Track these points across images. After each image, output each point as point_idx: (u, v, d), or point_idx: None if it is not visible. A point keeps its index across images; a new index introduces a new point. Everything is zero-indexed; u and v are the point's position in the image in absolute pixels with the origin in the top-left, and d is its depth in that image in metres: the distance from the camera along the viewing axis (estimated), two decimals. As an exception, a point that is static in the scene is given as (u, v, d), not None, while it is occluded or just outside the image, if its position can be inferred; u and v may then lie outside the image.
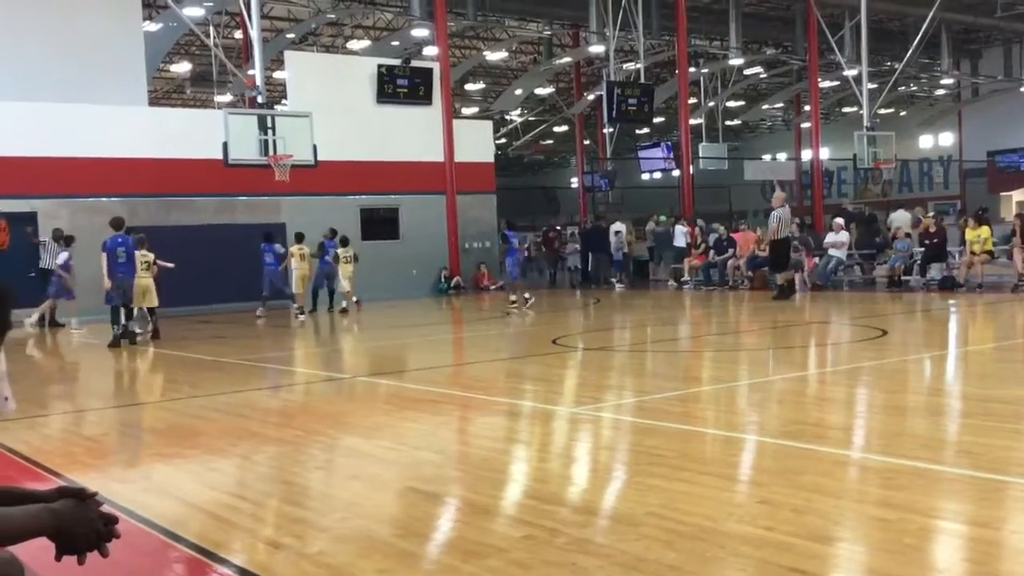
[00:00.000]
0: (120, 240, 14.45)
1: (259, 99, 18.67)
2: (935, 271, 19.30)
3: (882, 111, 33.97)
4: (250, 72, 21.31)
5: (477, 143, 26.19)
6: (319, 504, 5.08)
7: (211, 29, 26.64)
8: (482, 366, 11.36)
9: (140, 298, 14.93)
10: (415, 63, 25.15)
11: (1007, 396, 7.37)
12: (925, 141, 43.52)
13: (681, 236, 24.42)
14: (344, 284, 19.40)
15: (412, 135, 24.34)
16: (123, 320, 14.62)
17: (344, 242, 19.68)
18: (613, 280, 25.33)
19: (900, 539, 3.92)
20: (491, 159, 27.15)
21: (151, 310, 15.18)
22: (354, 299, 19.59)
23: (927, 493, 4.69)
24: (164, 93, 38.73)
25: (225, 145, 17.10)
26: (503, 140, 43.73)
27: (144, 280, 14.87)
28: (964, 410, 7.18)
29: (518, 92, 37.88)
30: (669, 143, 38.89)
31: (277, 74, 28.28)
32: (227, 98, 33.69)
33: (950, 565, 3.77)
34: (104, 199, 20.58)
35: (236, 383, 10.10)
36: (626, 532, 4.16)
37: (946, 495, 4.72)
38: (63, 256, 17.46)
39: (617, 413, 7.42)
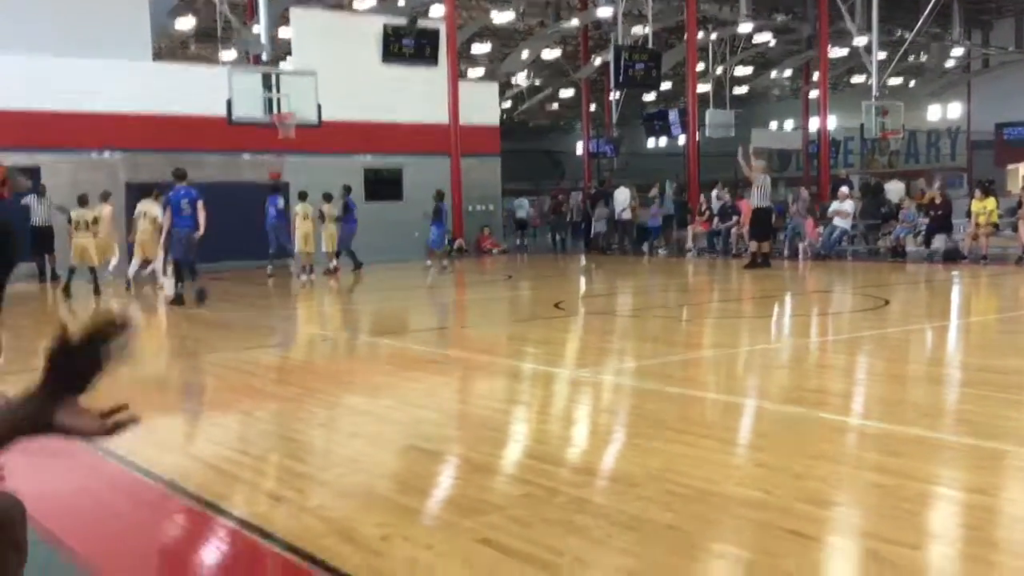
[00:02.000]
0: (183, 192, 13.67)
1: (263, 56, 18.54)
2: (939, 242, 19.24)
3: (891, 81, 33.71)
4: (255, 29, 21.16)
5: (482, 106, 26.04)
6: (320, 460, 5.11)
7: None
8: (484, 328, 11.37)
9: (80, 257, 15.14)
10: (421, 23, 24.94)
11: (1007, 366, 7.38)
12: (933, 112, 43.22)
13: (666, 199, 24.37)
14: (326, 243, 19.07)
15: (417, 96, 24.20)
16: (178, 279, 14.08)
17: (328, 198, 19.27)
18: (646, 247, 24.82)
19: (898, 504, 3.94)
20: (496, 122, 27.00)
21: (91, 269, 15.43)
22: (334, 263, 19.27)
23: (925, 460, 4.71)
24: (168, 49, 38.45)
25: (229, 102, 17.01)
26: (509, 103, 43.46)
27: (83, 240, 15.13)
28: (964, 379, 7.19)
29: (525, 55, 37.57)
30: (677, 110, 38.66)
31: (282, 32, 28.05)
32: (232, 55, 33.46)
33: (946, 530, 3.79)
34: (107, 154, 20.53)
35: (239, 340, 10.13)
36: (625, 493, 4.19)
37: (944, 462, 4.74)
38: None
39: (618, 376, 7.44)
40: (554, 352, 9.04)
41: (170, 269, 14.96)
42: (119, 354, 1.79)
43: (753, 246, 18.59)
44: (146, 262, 16.78)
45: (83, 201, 16.08)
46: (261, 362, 8.72)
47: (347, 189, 19.75)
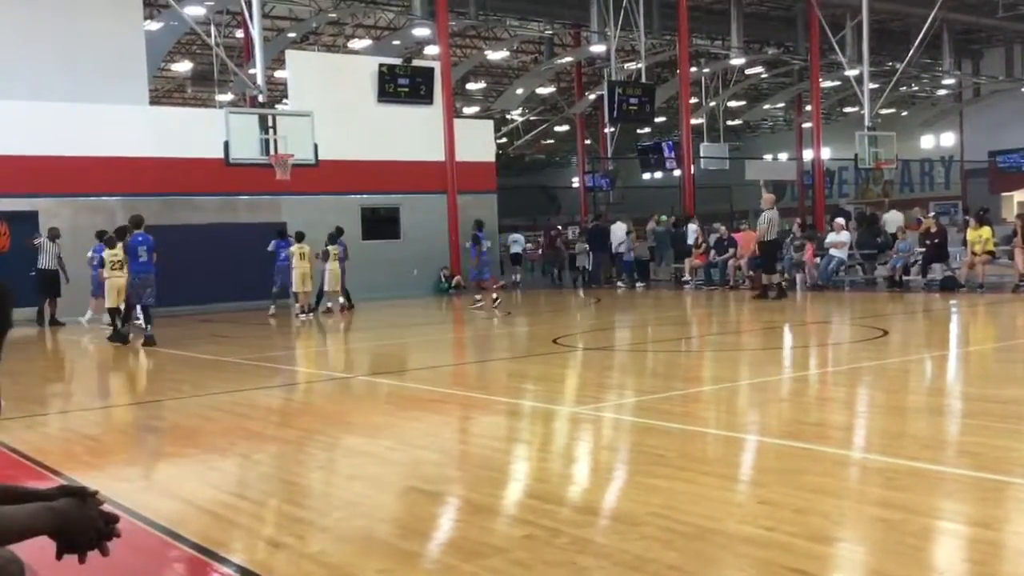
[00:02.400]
0: (140, 238, 14.35)
1: (260, 98, 18.67)
2: (936, 271, 19.29)
3: (883, 111, 33.95)
4: (251, 71, 21.32)
5: (478, 142, 26.20)
6: (320, 504, 5.07)
7: (212, 28, 26.65)
8: (483, 365, 11.35)
9: (114, 298, 15.14)
10: (416, 62, 25.16)
11: (1007, 396, 7.36)
12: (927, 141, 43.50)
13: (692, 235, 24.35)
14: (331, 283, 19.14)
15: (413, 134, 24.35)
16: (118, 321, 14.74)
17: (332, 239, 19.37)
18: (619, 282, 25.21)
19: (902, 539, 3.91)
20: (492, 158, 27.14)
21: (117, 310, 15.45)
22: (340, 300, 19.43)
23: (928, 493, 4.68)
24: (165, 92, 38.73)
25: (226, 144, 17.10)
26: (504, 139, 43.72)
27: (118, 280, 15.16)
28: (965, 410, 7.17)
29: (519, 91, 37.87)
30: (671, 142, 38.89)
31: (278, 73, 28.29)
32: (228, 97, 33.70)
33: (951, 565, 3.76)
34: (105, 198, 20.59)
35: (237, 382, 10.10)
36: (627, 532, 4.16)
37: (947, 495, 4.72)
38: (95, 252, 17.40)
39: (618, 413, 7.41)
40: (553, 389, 9.02)
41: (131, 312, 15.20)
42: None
43: (765, 278, 18.67)
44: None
45: (112, 242, 15.75)
46: (258, 403, 8.69)
47: (339, 231, 19.86)
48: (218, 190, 21.17)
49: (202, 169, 20.30)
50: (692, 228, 24.56)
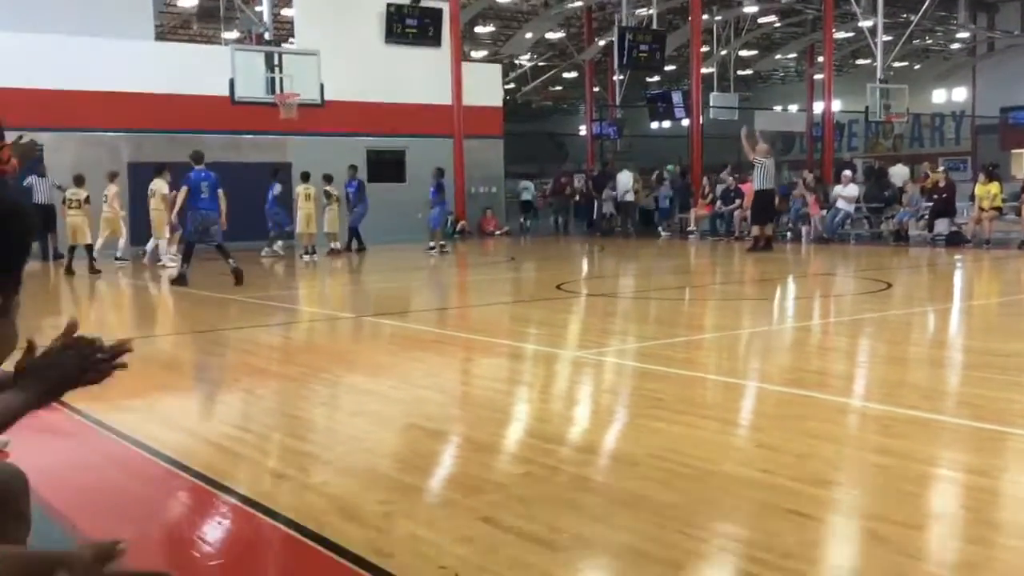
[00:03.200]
0: (204, 174, 13.73)
1: (266, 36, 18.49)
2: (942, 226, 19.22)
3: (896, 64, 33.55)
4: (258, 9, 21.08)
5: (486, 87, 25.96)
6: (322, 438, 5.12)
7: (219, -37, 26.30)
8: (486, 309, 11.37)
9: (73, 236, 15.23)
10: (425, 3, 24.83)
11: (1009, 350, 7.38)
12: (938, 95, 43.03)
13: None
14: (329, 224, 19.17)
15: (420, 77, 24.12)
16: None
17: (328, 179, 19.32)
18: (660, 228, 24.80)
19: (899, 485, 3.95)
20: (499, 104, 26.92)
21: (88, 247, 15.49)
22: (337, 244, 19.43)
23: (927, 442, 4.72)
24: (170, 28, 38.31)
25: (232, 82, 16.98)
26: (512, 85, 43.32)
27: (75, 218, 15.21)
28: (966, 362, 7.20)
29: (528, 36, 37.40)
30: (680, 91, 38.55)
31: (285, 11, 27.93)
32: (234, 35, 33.34)
33: (947, 511, 3.80)
34: (109, 133, 20.49)
35: (241, 320, 10.14)
36: (625, 472, 4.20)
37: (945, 444, 4.75)
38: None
39: (620, 357, 7.45)
40: (556, 333, 9.05)
41: (174, 248, 15.03)
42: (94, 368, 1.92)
43: (755, 230, 18.56)
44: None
45: (79, 180, 16.12)
46: (262, 341, 8.73)
47: (353, 168, 19.81)
48: (223, 128, 21.03)
49: (207, 107, 20.16)
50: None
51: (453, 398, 6.27)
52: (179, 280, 13.28)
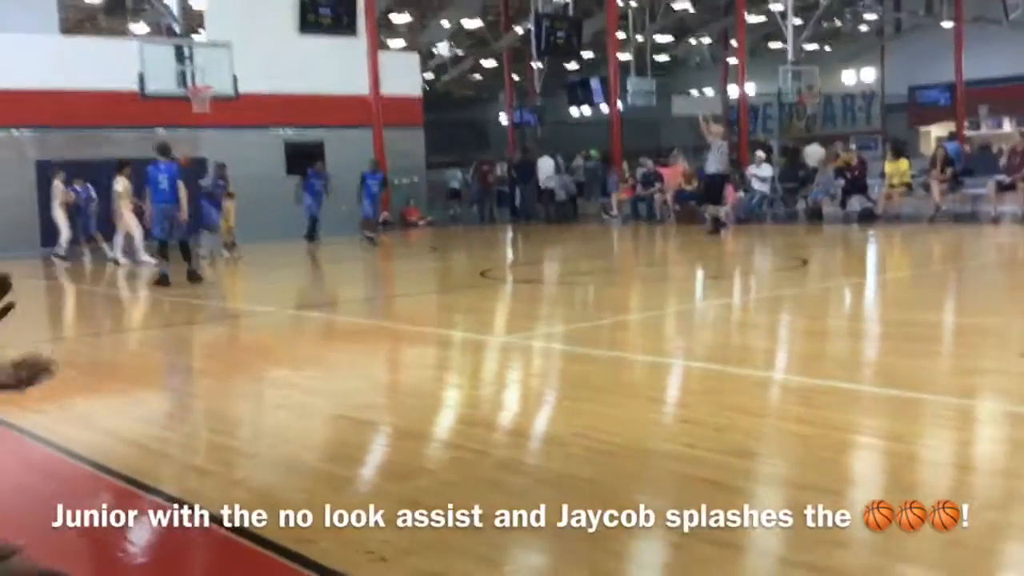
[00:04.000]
0: (163, 167, 12.85)
1: (176, 28, 18.07)
2: (855, 203, 19.71)
3: (807, 46, 34.25)
4: (166, 0, 20.59)
5: (404, 76, 25.75)
6: (246, 433, 5.05)
7: (124, -46, 25.59)
8: (411, 298, 11.32)
9: None
10: (339, -8, 24.50)
11: (919, 320, 7.62)
12: (848, 76, 44.09)
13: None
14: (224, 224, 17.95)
15: (337, 67, 23.80)
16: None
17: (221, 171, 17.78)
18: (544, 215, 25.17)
19: (818, 453, 4.05)
20: (419, 92, 26.75)
21: None
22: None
23: (845, 410, 4.84)
24: (76, 22, 37.18)
25: (141, 76, 16.57)
26: (431, 75, 43.10)
27: None
28: (881, 333, 7.41)
29: (445, 24, 37.28)
30: (599, 78, 38.83)
31: (194, 2, 27.31)
32: (142, 27, 32.50)
33: (866, 477, 3.91)
34: (15, 131, 19.81)
35: (160, 317, 9.92)
36: (551, 452, 4.23)
37: (863, 412, 4.88)
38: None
39: (546, 341, 7.48)
40: (481, 320, 9.05)
41: (121, 241, 14.63)
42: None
43: (712, 210, 18.49)
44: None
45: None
46: (183, 338, 8.55)
47: (375, 162, 20.18)
48: (134, 123, 20.49)
49: (117, 102, 19.61)
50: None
51: (379, 387, 6.22)
52: (162, 280, 12.55)
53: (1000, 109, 31.46)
